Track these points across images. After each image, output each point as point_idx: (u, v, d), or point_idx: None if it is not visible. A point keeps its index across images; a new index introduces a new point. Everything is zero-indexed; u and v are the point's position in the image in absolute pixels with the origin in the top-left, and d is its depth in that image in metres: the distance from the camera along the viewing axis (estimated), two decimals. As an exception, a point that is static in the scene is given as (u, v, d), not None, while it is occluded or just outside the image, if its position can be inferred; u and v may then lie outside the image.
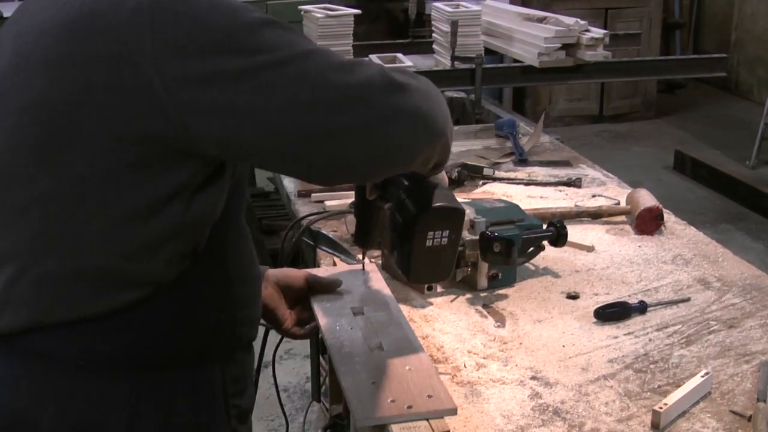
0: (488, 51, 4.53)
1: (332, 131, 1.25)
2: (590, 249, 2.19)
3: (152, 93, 1.20)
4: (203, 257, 1.36)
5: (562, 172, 2.76)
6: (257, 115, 1.22)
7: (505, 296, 1.95)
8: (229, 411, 1.45)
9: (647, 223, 2.29)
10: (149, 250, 1.29)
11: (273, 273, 1.79)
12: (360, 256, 1.92)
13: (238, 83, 1.21)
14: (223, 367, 1.43)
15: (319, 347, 1.97)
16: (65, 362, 1.31)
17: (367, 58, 1.29)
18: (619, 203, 2.45)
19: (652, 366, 1.66)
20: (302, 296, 1.81)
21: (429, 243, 1.49)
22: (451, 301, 1.93)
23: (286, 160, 1.30)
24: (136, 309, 1.31)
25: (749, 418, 1.49)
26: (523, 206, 2.21)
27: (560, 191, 2.61)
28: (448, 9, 4.35)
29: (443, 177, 1.62)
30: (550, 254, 2.12)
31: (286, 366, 3.80)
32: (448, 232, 1.50)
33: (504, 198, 2.39)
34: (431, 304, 1.92)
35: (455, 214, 1.52)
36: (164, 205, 1.27)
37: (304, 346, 2.18)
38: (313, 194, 2.48)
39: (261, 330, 1.77)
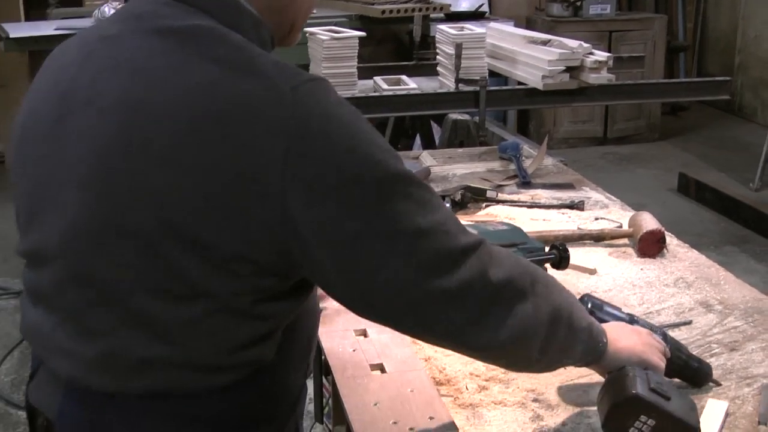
0: (492, 73, 4.55)
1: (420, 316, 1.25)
2: (593, 272, 2.20)
3: (272, 221, 1.17)
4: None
5: (565, 195, 2.77)
6: (351, 276, 1.22)
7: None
8: None
9: (649, 246, 2.30)
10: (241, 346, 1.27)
11: None
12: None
13: (352, 243, 1.19)
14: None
15: (322, 368, 1.97)
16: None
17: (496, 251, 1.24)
18: (621, 226, 2.46)
19: (653, 389, 1.66)
20: None
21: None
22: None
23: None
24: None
25: (750, 442, 1.50)
26: (525, 229, 2.22)
27: (563, 214, 2.62)
28: (453, 31, 4.38)
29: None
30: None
31: (289, 387, 3.80)
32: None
33: (507, 221, 2.40)
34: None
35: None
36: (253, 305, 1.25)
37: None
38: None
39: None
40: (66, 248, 1.25)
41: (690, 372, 1.67)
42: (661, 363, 1.54)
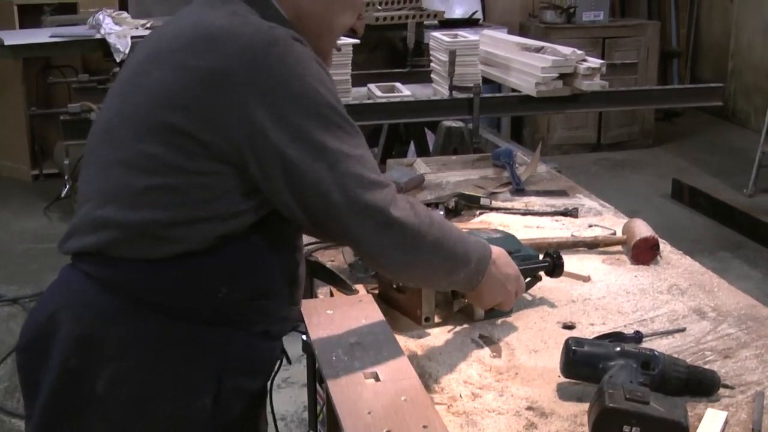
0: (486, 80, 4.54)
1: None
2: (586, 279, 2.20)
3: (239, 115, 1.55)
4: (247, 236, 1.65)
5: (559, 202, 2.77)
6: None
7: (502, 327, 1.96)
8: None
9: (643, 253, 2.31)
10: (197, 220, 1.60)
11: None
12: (356, 287, 1.92)
13: (292, 144, 1.57)
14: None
15: (316, 376, 1.97)
16: (122, 293, 1.62)
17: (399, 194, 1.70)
18: (615, 233, 2.46)
19: (647, 396, 1.67)
20: None
21: None
22: (449, 331, 1.94)
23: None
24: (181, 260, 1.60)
25: (744, 449, 1.50)
26: (519, 236, 2.23)
27: (557, 221, 2.62)
28: (447, 39, 4.38)
29: None
30: (546, 284, 2.13)
31: (283, 394, 3.80)
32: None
33: (501, 228, 2.40)
34: (428, 334, 1.93)
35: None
36: (222, 196, 1.59)
37: (301, 375, 2.19)
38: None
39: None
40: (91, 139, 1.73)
41: (694, 384, 1.68)
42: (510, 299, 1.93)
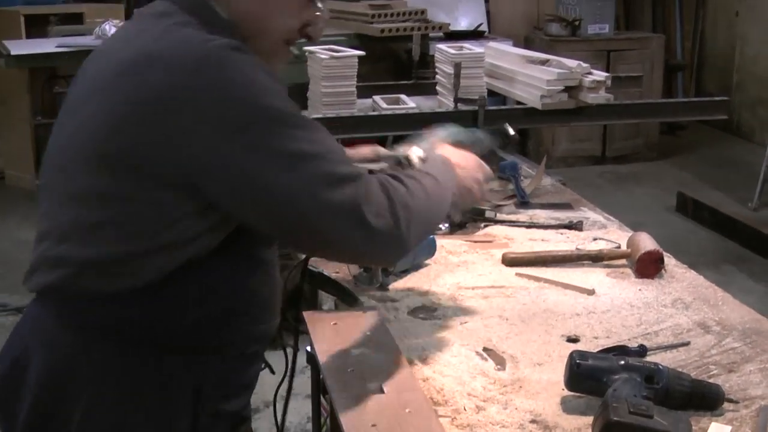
0: (491, 92, 4.55)
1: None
2: (590, 292, 2.20)
3: (185, 137, 1.50)
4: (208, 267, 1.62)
5: (564, 215, 2.77)
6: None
7: (506, 339, 1.96)
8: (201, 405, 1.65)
9: (647, 267, 2.31)
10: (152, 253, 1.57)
11: None
12: (361, 298, 1.93)
13: (244, 162, 1.51)
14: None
15: (320, 388, 1.97)
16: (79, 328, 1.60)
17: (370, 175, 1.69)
18: (619, 246, 2.46)
19: (651, 410, 1.66)
20: None
21: None
22: (453, 344, 1.94)
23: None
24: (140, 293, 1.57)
25: (748, 464, 1.50)
26: (524, 249, 2.23)
27: (561, 234, 2.62)
28: (452, 51, 4.38)
29: None
30: (550, 297, 2.13)
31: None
32: None
33: (505, 240, 2.40)
34: (433, 346, 1.93)
35: None
36: (175, 222, 1.55)
37: (305, 386, 2.19)
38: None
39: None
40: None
41: (698, 398, 1.68)
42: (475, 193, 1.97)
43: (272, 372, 1.91)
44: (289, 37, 1.73)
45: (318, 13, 1.73)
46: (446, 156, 1.95)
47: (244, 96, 1.51)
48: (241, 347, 1.71)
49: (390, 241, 1.62)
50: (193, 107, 1.49)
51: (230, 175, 1.51)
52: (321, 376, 1.80)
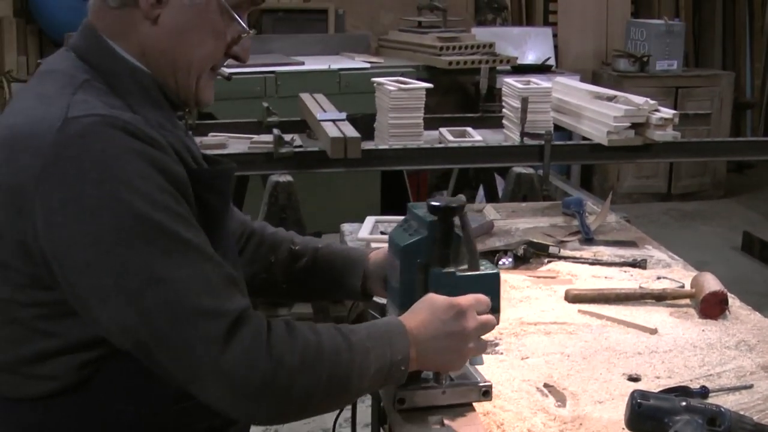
0: (557, 128, 4.56)
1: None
2: (653, 331, 2.20)
3: (37, 236, 1.34)
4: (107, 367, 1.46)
5: (628, 253, 2.77)
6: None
7: (568, 376, 1.96)
8: None
9: (711, 307, 2.29)
10: (48, 356, 1.43)
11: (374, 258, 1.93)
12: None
13: (83, 272, 1.34)
14: None
15: (380, 418, 1.99)
16: None
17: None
18: (683, 286, 2.45)
19: (712, 453, 1.66)
20: None
21: None
22: (514, 379, 1.95)
23: None
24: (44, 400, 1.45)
25: None
26: (587, 286, 2.23)
27: (625, 272, 2.62)
28: (519, 85, 4.41)
29: None
30: (612, 335, 2.13)
31: (345, 434, 3.82)
32: None
33: (569, 276, 2.40)
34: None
35: None
36: (57, 324, 1.42)
37: (365, 414, 2.21)
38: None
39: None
40: None
41: None
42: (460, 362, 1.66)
43: None
44: (215, 63, 1.57)
45: (242, 32, 1.57)
46: (406, 318, 1.62)
47: (99, 195, 1.32)
48: (206, 420, 1.54)
49: (253, 393, 1.37)
50: (45, 203, 1.33)
51: (76, 288, 1.35)
52: (381, 405, 1.81)
